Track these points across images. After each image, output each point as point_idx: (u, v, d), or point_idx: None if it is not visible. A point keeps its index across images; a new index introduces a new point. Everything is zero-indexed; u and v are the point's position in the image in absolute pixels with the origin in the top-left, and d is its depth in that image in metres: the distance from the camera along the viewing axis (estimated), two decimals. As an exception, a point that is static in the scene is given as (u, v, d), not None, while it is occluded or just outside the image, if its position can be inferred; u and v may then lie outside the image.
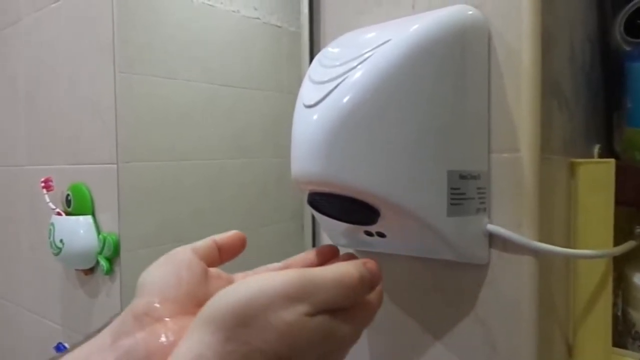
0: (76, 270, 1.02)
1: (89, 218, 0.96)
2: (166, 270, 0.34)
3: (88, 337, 0.31)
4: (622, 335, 0.53)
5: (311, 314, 0.29)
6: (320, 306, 0.29)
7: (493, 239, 0.44)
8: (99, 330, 0.32)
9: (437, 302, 0.48)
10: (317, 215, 0.45)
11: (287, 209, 0.79)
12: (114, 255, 0.92)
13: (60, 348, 1.04)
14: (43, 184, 1.02)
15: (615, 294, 0.51)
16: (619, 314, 0.54)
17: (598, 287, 0.47)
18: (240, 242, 0.40)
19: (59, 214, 0.99)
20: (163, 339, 0.30)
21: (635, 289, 0.52)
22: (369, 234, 0.45)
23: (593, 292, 0.47)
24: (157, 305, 0.31)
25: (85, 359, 0.30)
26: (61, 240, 0.94)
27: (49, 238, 0.98)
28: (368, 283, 0.32)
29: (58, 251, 0.95)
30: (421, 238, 0.43)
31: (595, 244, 0.47)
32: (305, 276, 0.29)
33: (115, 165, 0.88)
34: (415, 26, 0.40)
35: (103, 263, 0.92)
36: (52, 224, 0.98)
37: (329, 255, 0.44)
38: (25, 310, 1.21)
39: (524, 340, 0.42)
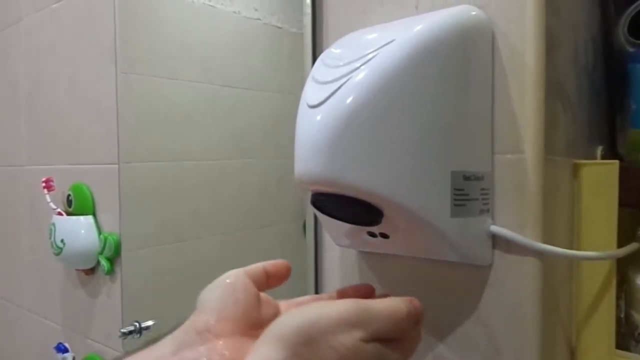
0: (77, 270, 1.02)
1: (90, 218, 0.96)
2: (225, 291, 0.36)
3: (145, 345, 0.34)
4: (625, 338, 0.53)
5: (366, 341, 0.31)
6: (374, 334, 0.32)
7: (496, 240, 0.44)
8: (154, 340, 0.34)
9: (440, 304, 0.48)
10: (320, 215, 0.45)
11: (287, 210, 0.79)
12: (114, 256, 0.92)
13: (60, 348, 1.04)
14: (44, 184, 1.01)
15: (618, 296, 0.51)
16: (622, 316, 0.54)
17: (601, 289, 0.47)
18: (286, 271, 0.42)
19: (59, 214, 0.99)
20: (224, 354, 0.32)
21: (638, 291, 0.52)
22: (372, 234, 0.45)
23: (596, 294, 0.47)
24: (216, 323, 0.34)
25: None
26: (62, 240, 0.94)
27: (50, 238, 0.97)
28: (414, 318, 0.35)
29: (59, 251, 0.95)
30: (424, 239, 0.43)
31: (598, 245, 0.47)
32: (362, 306, 0.32)
33: (116, 166, 0.88)
34: (419, 27, 0.40)
35: (104, 263, 0.92)
36: (53, 224, 0.97)
37: (364, 293, 0.44)
38: (26, 311, 1.21)
39: (527, 342, 0.42)
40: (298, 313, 0.31)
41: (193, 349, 0.32)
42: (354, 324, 0.31)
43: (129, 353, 0.34)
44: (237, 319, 0.34)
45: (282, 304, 0.40)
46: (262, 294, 0.38)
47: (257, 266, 0.40)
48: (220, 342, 0.33)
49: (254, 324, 0.35)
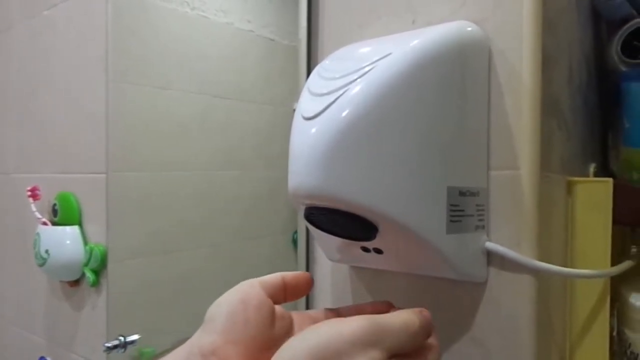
0: (61, 281, 1.00)
1: (75, 228, 0.94)
2: (235, 309, 0.34)
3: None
4: (617, 356, 0.53)
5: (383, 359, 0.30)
6: (390, 351, 0.30)
7: (491, 257, 0.43)
8: (159, 355, 0.32)
9: (435, 321, 0.47)
10: (313, 230, 0.44)
11: (277, 222, 0.79)
12: (100, 267, 0.90)
13: (42, 362, 1.02)
14: (29, 193, 1.00)
15: (611, 314, 0.51)
16: (614, 334, 0.54)
17: (595, 307, 0.47)
18: (307, 284, 0.40)
19: (44, 223, 0.97)
20: None
21: (631, 309, 0.52)
22: (365, 249, 0.44)
23: (590, 311, 0.47)
24: (224, 345, 0.32)
25: None
26: (47, 251, 0.92)
27: (34, 248, 0.95)
28: (427, 329, 0.34)
29: (43, 262, 0.93)
30: (419, 255, 0.43)
31: (592, 263, 0.46)
32: (376, 322, 0.30)
33: (104, 175, 0.87)
34: (416, 41, 0.40)
35: (89, 275, 0.90)
36: (38, 234, 0.95)
37: (381, 310, 0.42)
38: (8, 323, 1.18)
39: (521, 361, 0.42)
40: (310, 334, 0.29)
41: None
42: (368, 342, 0.29)
43: None
44: (247, 341, 0.32)
45: (296, 317, 0.38)
46: (277, 307, 0.36)
47: (275, 277, 0.37)
48: None
49: (265, 345, 0.33)
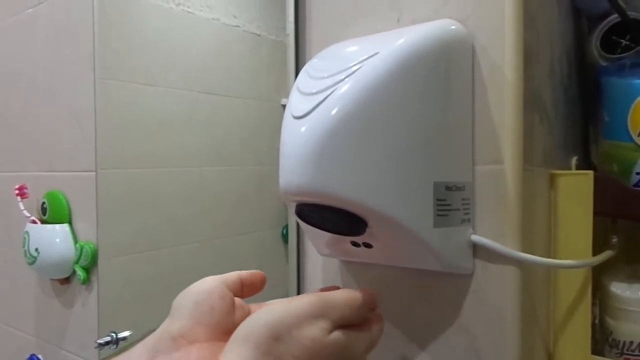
0: (51, 279, 0.99)
1: (65, 226, 0.94)
2: (201, 297, 0.37)
3: (117, 353, 0.35)
4: (599, 343, 0.55)
5: (329, 330, 0.34)
6: (336, 322, 0.35)
7: (477, 249, 0.45)
8: (131, 345, 0.35)
9: (423, 312, 0.48)
10: (304, 225, 0.45)
11: (265, 218, 0.79)
12: (90, 265, 0.90)
13: (33, 360, 1.01)
14: (17, 192, 0.99)
15: (592, 303, 0.52)
16: (596, 322, 0.55)
17: (577, 296, 0.48)
18: (261, 281, 0.43)
19: (33, 222, 0.96)
20: (198, 359, 0.33)
21: (612, 297, 0.53)
22: (355, 244, 0.45)
23: (572, 300, 0.48)
24: (191, 328, 0.35)
25: None
26: (36, 249, 0.92)
27: (23, 247, 0.95)
28: (369, 303, 0.38)
29: (33, 260, 0.93)
30: (407, 249, 0.44)
31: (574, 254, 0.48)
32: (323, 298, 0.35)
33: (93, 173, 0.87)
34: (402, 40, 0.41)
35: (79, 272, 0.90)
36: (27, 232, 0.95)
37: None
38: (-3, 321, 1.18)
39: (507, 349, 0.43)
40: (264, 312, 0.33)
41: (167, 355, 0.33)
42: (316, 315, 0.34)
43: (106, 359, 0.34)
44: (213, 325, 0.35)
45: (253, 307, 0.41)
46: (236, 299, 0.39)
47: (233, 274, 0.41)
48: (195, 348, 0.33)
49: (228, 329, 0.35)
